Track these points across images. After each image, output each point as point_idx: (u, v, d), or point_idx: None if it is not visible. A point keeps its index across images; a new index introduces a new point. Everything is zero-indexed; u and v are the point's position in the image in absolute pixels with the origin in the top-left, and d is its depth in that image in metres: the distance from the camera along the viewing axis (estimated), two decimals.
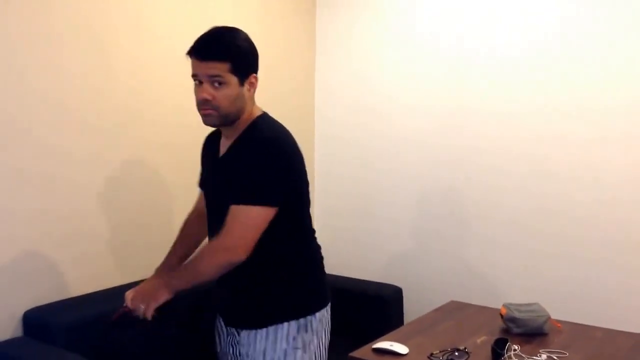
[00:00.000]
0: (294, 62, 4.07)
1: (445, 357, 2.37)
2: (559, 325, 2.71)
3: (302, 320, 2.21)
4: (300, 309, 2.22)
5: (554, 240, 3.44)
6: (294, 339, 2.20)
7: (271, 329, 2.19)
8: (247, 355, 2.24)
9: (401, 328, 2.82)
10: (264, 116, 2.24)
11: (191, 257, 2.37)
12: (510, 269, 3.57)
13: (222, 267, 2.09)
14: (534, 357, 2.38)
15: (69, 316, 2.60)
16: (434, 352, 2.41)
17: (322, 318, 2.27)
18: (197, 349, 2.87)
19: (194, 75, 2.10)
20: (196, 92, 2.12)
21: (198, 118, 2.17)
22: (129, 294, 2.16)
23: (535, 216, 3.48)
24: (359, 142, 4.04)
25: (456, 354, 2.39)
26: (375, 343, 2.52)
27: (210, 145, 2.35)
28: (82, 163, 2.85)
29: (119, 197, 3.03)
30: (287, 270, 2.23)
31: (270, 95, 3.86)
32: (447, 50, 3.68)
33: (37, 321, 2.59)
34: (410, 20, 3.81)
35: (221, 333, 2.37)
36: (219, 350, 2.41)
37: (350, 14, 4.04)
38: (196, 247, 2.45)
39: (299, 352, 2.20)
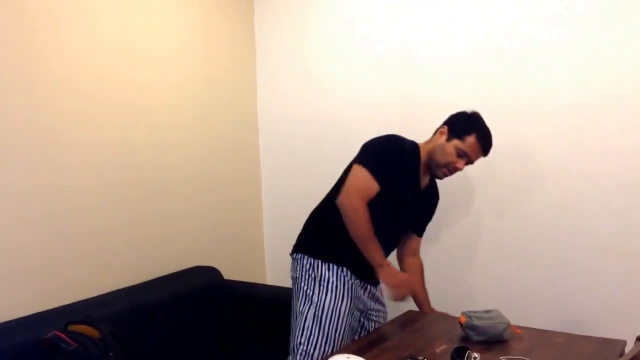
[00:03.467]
0: (235, 66, 4.00)
1: None
2: (519, 331, 2.66)
3: None
4: None
5: (514, 246, 3.41)
6: None
7: None
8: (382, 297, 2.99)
9: (357, 340, 2.74)
10: None
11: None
12: (469, 276, 3.52)
13: None
14: None
15: (11, 340, 2.47)
16: None
17: None
18: None
19: (467, 154, 2.77)
20: (457, 160, 2.79)
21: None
22: None
23: (495, 222, 3.46)
24: (305, 141, 4.02)
25: None
26: (331, 356, 2.43)
27: (409, 168, 2.83)
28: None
29: (51, 211, 2.87)
30: None
31: (211, 96, 3.79)
32: (389, 47, 3.67)
33: None
34: (351, 18, 3.79)
35: (359, 289, 2.88)
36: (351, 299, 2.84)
37: (289, 10, 3.99)
38: None
39: None
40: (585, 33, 3.16)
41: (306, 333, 2.75)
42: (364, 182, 2.69)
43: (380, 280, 2.73)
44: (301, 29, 3.96)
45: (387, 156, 2.76)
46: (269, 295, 3.52)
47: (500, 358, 2.39)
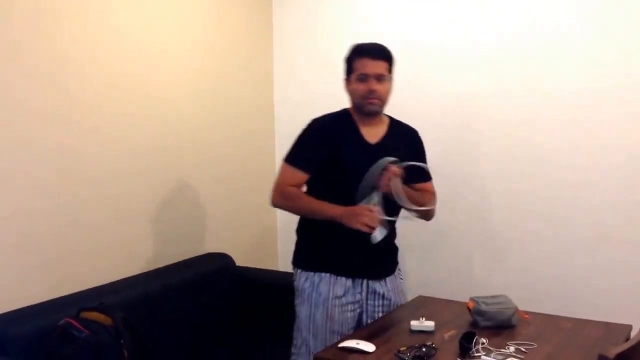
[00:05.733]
0: (251, 54, 4.00)
1: (412, 353, 2.31)
2: (527, 316, 2.68)
3: None
4: None
5: (520, 232, 3.42)
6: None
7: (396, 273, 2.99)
8: (391, 291, 2.91)
9: (367, 326, 2.76)
10: None
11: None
12: (477, 261, 3.54)
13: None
14: (502, 350, 2.34)
15: (24, 327, 2.48)
16: (401, 349, 2.35)
17: None
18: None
19: (366, 74, 2.67)
20: (364, 86, 2.69)
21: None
22: None
23: (500, 209, 3.46)
24: None
25: (424, 349, 2.33)
26: (341, 342, 2.46)
27: (338, 134, 2.77)
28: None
29: (66, 200, 2.89)
30: None
31: (229, 84, 3.80)
32: (405, 35, 3.67)
33: None
34: (368, 6, 3.79)
35: (351, 288, 2.82)
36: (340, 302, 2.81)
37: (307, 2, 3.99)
38: None
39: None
40: (591, 25, 3.18)
41: (296, 343, 2.87)
42: (283, 177, 2.79)
43: (347, 225, 2.60)
44: (318, 16, 3.95)
45: (304, 140, 2.82)
46: (280, 281, 3.51)
47: (508, 343, 2.41)
